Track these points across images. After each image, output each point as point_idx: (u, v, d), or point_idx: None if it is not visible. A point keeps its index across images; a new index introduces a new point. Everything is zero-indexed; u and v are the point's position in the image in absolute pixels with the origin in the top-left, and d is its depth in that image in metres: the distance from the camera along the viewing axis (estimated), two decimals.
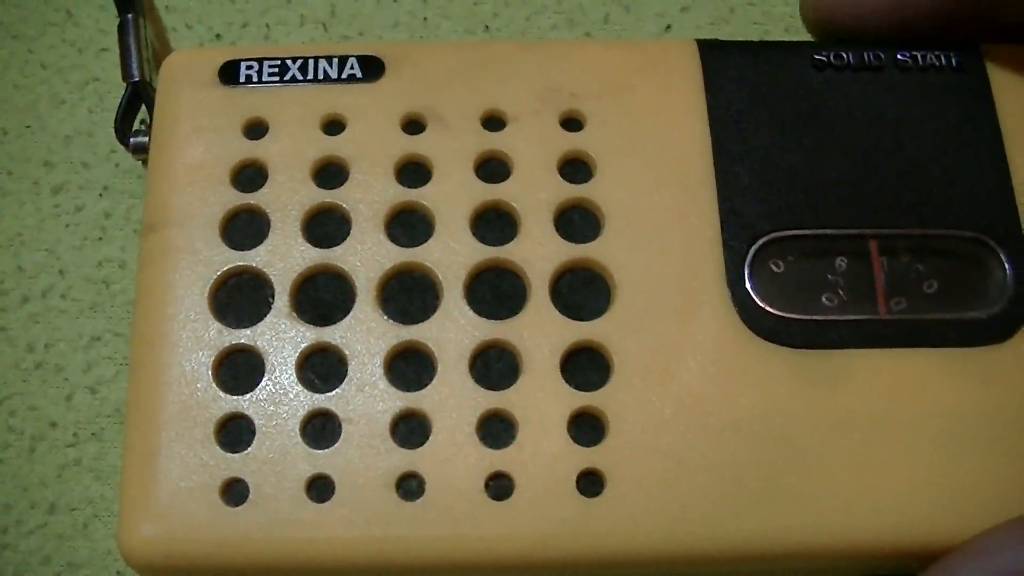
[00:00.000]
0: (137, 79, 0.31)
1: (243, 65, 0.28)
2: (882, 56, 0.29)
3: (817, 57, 0.28)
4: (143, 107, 0.32)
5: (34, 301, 0.33)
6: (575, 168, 0.28)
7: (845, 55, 0.29)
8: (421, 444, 0.26)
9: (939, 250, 0.27)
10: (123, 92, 0.32)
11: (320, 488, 0.25)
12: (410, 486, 0.25)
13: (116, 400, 0.32)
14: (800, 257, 0.27)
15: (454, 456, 0.26)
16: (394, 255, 0.27)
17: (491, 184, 0.27)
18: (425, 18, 0.35)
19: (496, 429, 0.26)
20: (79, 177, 0.34)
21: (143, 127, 0.31)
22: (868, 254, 0.27)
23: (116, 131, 0.31)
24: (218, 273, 0.27)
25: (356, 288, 0.26)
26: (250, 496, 0.25)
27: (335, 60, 0.28)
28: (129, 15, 0.32)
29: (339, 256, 0.27)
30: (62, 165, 0.34)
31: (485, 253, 0.27)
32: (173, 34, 0.35)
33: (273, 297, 0.26)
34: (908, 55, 0.29)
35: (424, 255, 0.27)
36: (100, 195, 0.34)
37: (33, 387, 0.32)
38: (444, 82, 0.28)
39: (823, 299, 0.27)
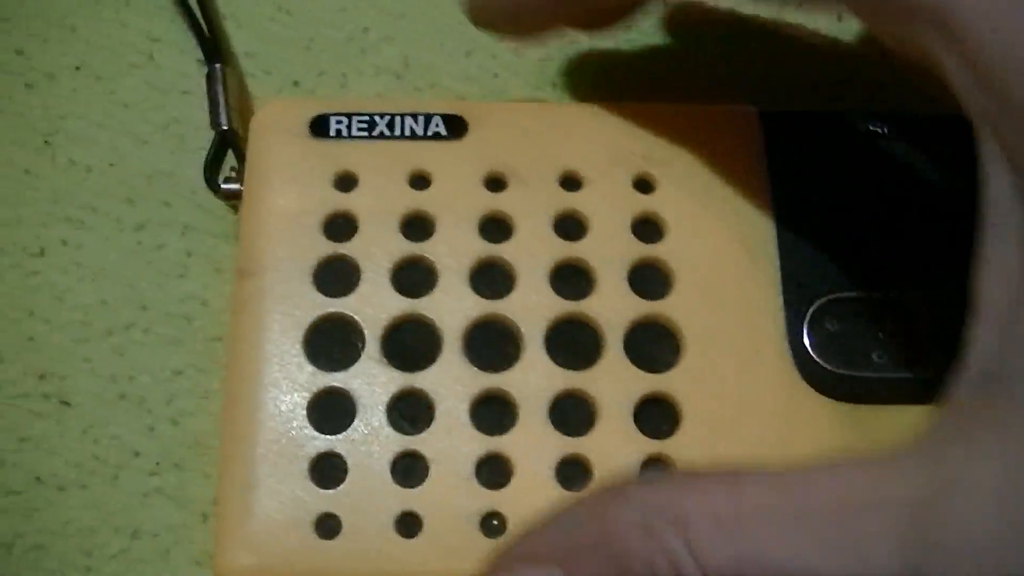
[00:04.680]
0: (226, 127, 0.34)
1: (333, 119, 0.31)
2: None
3: (872, 126, 0.31)
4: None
5: (117, 334, 0.35)
6: (647, 228, 0.30)
7: (898, 123, 0.31)
8: (503, 485, 0.28)
9: None
10: (212, 139, 0.34)
11: (408, 524, 0.28)
12: (493, 524, 0.28)
13: (196, 431, 0.34)
14: (854, 317, 0.29)
15: (533, 497, 0.27)
16: (478, 306, 0.29)
17: (568, 241, 0.29)
18: (496, 73, 0.37)
19: (573, 472, 0.28)
20: (161, 215, 0.36)
21: (232, 173, 0.33)
22: (917, 316, 0.29)
23: (206, 176, 0.33)
24: (312, 318, 0.29)
25: (442, 336, 0.29)
26: (342, 530, 0.27)
27: (420, 118, 0.31)
28: (217, 64, 0.35)
29: (426, 306, 0.29)
30: (143, 203, 0.36)
31: (563, 307, 0.29)
32: (251, 80, 0.37)
33: (363, 343, 0.29)
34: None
35: (506, 307, 0.29)
36: (182, 233, 0.36)
37: (117, 417, 0.34)
38: (523, 142, 0.31)
39: (874, 356, 0.29)
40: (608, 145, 0.31)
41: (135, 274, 0.35)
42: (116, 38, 0.38)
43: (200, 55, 0.36)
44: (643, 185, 0.30)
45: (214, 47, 0.35)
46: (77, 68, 0.37)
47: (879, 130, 0.30)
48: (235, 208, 0.33)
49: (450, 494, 0.28)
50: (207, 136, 0.35)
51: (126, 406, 0.34)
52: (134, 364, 0.34)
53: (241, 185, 0.31)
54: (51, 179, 0.36)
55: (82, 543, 0.33)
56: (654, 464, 0.28)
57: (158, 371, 0.34)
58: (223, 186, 0.33)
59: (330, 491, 0.28)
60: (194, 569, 0.33)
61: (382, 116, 0.31)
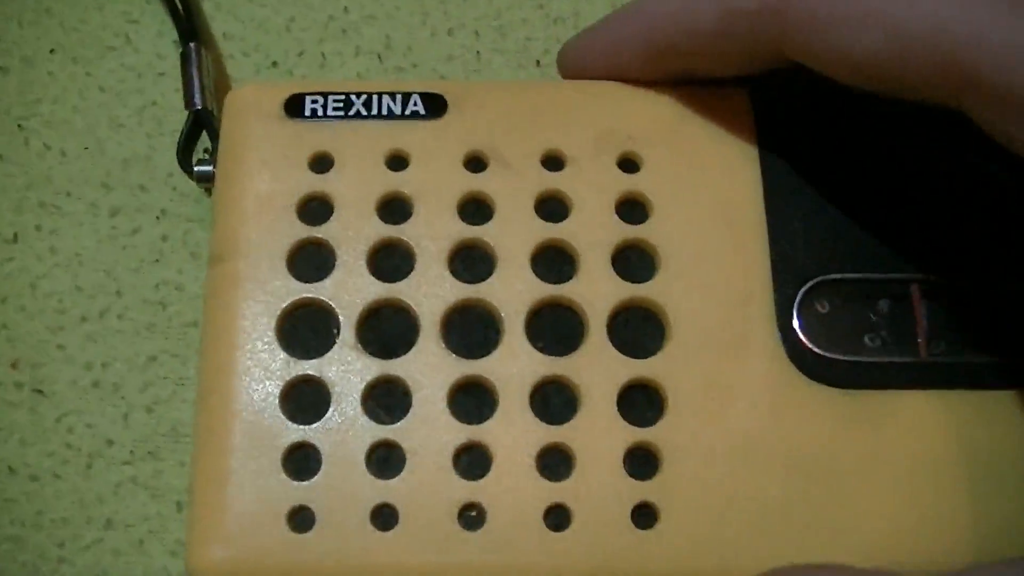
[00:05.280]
0: (200, 107, 0.33)
1: (308, 99, 0.30)
2: None
3: (867, 103, 0.30)
4: (204, 134, 0.33)
5: (92, 321, 0.34)
6: (632, 209, 0.29)
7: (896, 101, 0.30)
8: (483, 475, 0.27)
9: (980, 295, 0.29)
10: (185, 119, 0.33)
11: (385, 517, 0.27)
12: (471, 516, 0.27)
13: (172, 419, 0.33)
14: (845, 299, 0.28)
15: (514, 488, 0.27)
16: (457, 291, 0.28)
17: (551, 223, 0.28)
18: (478, 52, 0.36)
19: (555, 462, 0.27)
20: (136, 200, 0.35)
21: (206, 155, 0.32)
22: (910, 298, 0.28)
23: (179, 158, 0.33)
24: (285, 304, 0.28)
25: (420, 322, 0.28)
26: (316, 523, 0.27)
27: (399, 97, 0.30)
28: (192, 44, 0.34)
29: (404, 291, 0.28)
30: (120, 188, 0.35)
31: (545, 291, 0.28)
32: (230, 61, 0.36)
33: (339, 329, 0.28)
34: None
35: (486, 292, 0.28)
36: (157, 218, 0.35)
37: (91, 405, 0.34)
38: (504, 121, 0.29)
39: (866, 339, 0.28)
40: (592, 124, 0.30)
41: (110, 260, 0.34)
42: (92, 20, 0.37)
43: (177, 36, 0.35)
44: (628, 165, 0.29)
45: (189, 26, 0.34)
46: (52, 51, 0.36)
47: (875, 105, 0.29)
48: (209, 191, 0.32)
49: (427, 485, 0.27)
50: (185, 119, 0.34)
51: (100, 394, 0.33)
52: (108, 351, 0.34)
53: (214, 168, 0.30)
54: (25, 164, 0.35)
55: (55, 534, 0.33)
56: (638, 452, 0.27)
57: (133, 358, 0.34)
58: (196, 168, 0.32)
59: (304, 483, 0.27)
60: (169, 560, 0.32)
61: (358, 95, 0.30)
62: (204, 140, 0.33)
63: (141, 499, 0.33)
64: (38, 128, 0.36)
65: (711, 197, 0.29)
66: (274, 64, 0.36)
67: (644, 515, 0.27)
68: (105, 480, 0.33)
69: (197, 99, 0.33)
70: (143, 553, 0.33)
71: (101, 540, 0.33)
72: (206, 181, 0.31)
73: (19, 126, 0.36)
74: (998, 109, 0.24)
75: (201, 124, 0.33)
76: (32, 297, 0.34)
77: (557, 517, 0.27)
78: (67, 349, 0.34)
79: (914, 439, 0.27)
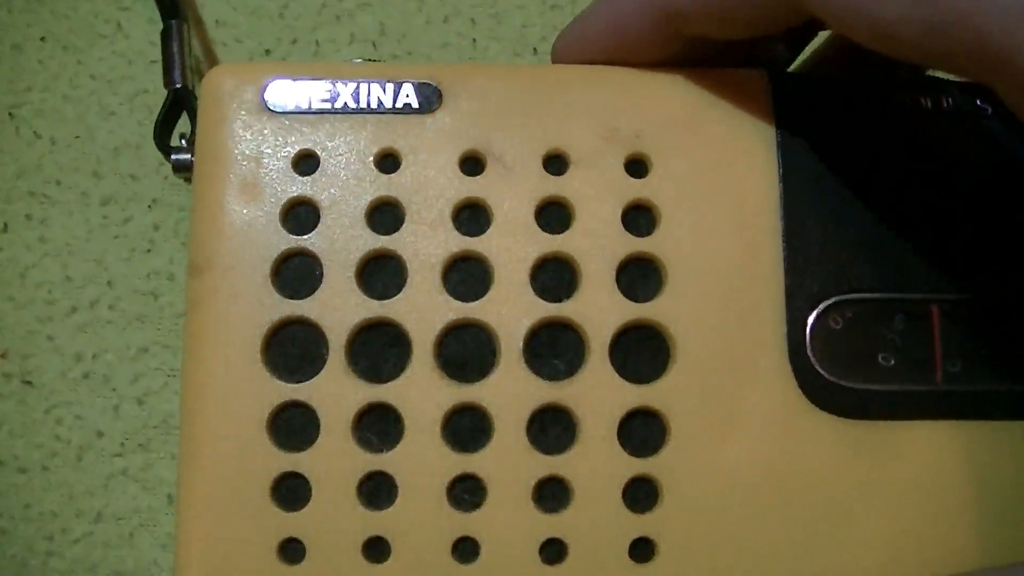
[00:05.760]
0: (179, 86, 0.27)
1: (292, 88, 0.23)
2: (976, 103, 0.23)
3: (898, 95, 0.23)
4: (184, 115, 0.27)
5: (82, 311, 0.28)
6: (639, 217, 0.23)
7: (936, 97, 0.23)
8: (477, 507, 0.21)
9: (1001, 319, 0.23)
10: (164, 99, 0.27)
11: (376, 549, 0.21)
12: (466, 549, 0.21)
13: (163, 411, 0.28)
14: (861, 319, 0.22)
15: (509, 520, 0.21)
16: (452, 309, 0.22)
17: (552, 235, 0.22)
18: (474, 40, 0.30)
19: (551, 493, 0.22)
20: (128, 189, 0.29)
21: (183, 142, 0.26)
22: (929, 318, 0.22)
23: (156, 138, 0.26)
24: (270, 323, 0.22)
25: (412, 343, 0.22)
26: (307, 556, 0.21)
27: (390, 87, 0.23)
28: (173, 21, 0.27)
29: (395, 309, 0.22)
30: (111, 176, 0.29)
31: (545, 310, 0.22)
32: (223, 48, 0.30)
33: (327, 349, 0.22)
34: (986, 103, 0.23)
35: (483, 311, 0.22)
36: (149, 207, 0.29)
37: (81, 397, 0.28)
38: (504, 114, 0.23)
39: (880, 360, 0.22)
40: (598, 116, 0.23)
41: (101, 249, 0.28)
42: (83, 8, 0.30)
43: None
44: (636, 167, 0.23)
45: (170, 4, 0.28)
46: (43, 39, 0.30)
47: (913, 102, 0.23)
48: (188, 180, 0.26)
49: (420, 517, 0.21)
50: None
51: (90, 385, 0.28)
52: (99, 342, 0.28)
53: (192, 156, 0.24)
54: (15, 153, 0.29)
55: (44, 527, 0.27)
56: (638, 484, 0.21)
57: (123, 349, 0.28)
58: (174, 157, 0.25)
59: (293, 514, 0.21)
60: (159, 553, 0.27)
61: (346, 83, 0.23)
62: (184, 124, 0.27)
63: (132, 492, 0.27)
64: (28, 116, 0.29)
65: (724, 203, 0.22)
66: (267, 52, 0.30)
67: (642, 549, 0.21)
68: (95, 473, 0.28)
69: (176, 76, 0.27)
70: (133, 546, 0.27)
71: (91, 533, 0.27)
72: (184, 171, 0.25)
73: (9, 115, 0.29)
74: None
75: (181, 104, 0.27)
76: (21, 287, 0.28)
77: (553, 551, 0.21)
78: (57, 340, 0.28)
79: (925, 473, 0.22)
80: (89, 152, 0.29)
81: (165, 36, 0.27)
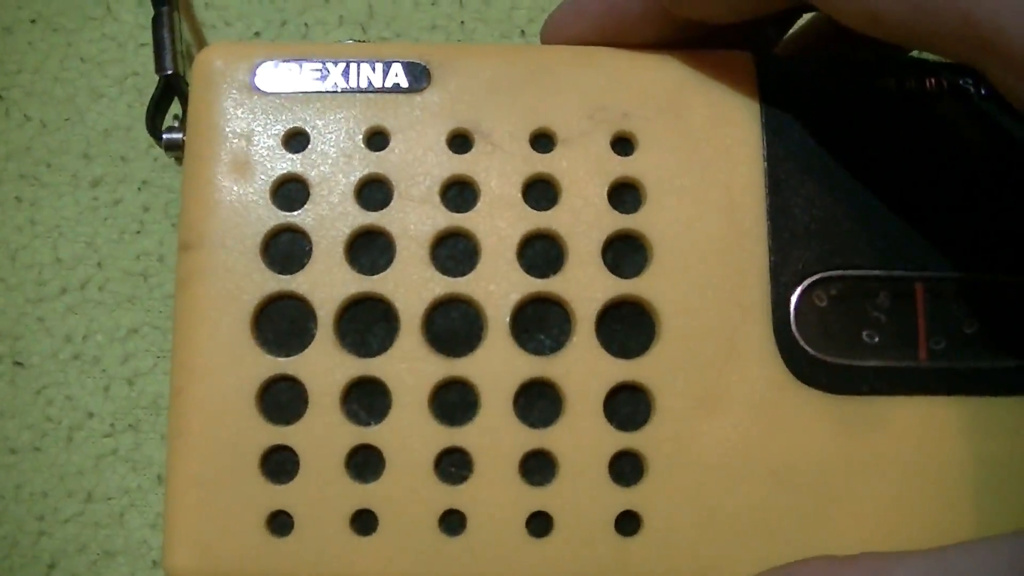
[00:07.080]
0: (170, 72, 0.27)
1: (282, 68, 0.23)
2: (964, 82, 0.24)
3: (883, 78, 0.24)
4: (176, 101, 0.27)
5: (72, 292, 0.28)
6: (625, 194, 0.23)
7: (919, 77, 0.24)
8: (465, 480, 0.22)
9: (986, 296, 0.23)
10: (156, 85, 0.27)
11: (364, 522, 0.21)
12: (452, 522, 0.22)
13: (153, 392, 0.28)
14: (846, 296, 0.23)
15: (496, 493, 0.22)
16: (440, 285, 0.22)
17: (539, 211, 0.23)
18: (462, 22, 0.30)
19: (538, 467, 0.22)
20: (118, 170, 0.29)
21: (176, 123, 0.26)
22: (913, 296, 0.23)
23: (148, 124, 0.27)
24: (260, 297, 0.22)
25: (400, 318, 0.22)
26: (294, 528, 0.21)
27: (379, 66, 0.23)
28: (164, 8, 0.27)
29: (384, 284, 0.22)
30: (101, 158, 0.29)
31: (532, 286, 0.22)
32: (212, 31, 0.30)
33: (316, 323, 0.22)
34: (970, 82, 0.24)
35: (471, 286, 0.22)
36: (139, 189, 0.29)
37: (71, 377, 0.28)
38: (492, 93, 0.23)
39: (864, 337, 0.23)
40: (586, 95, 0.23)
41: (91, 231, 0.29)
42: None
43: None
44: (622, 144, 0.23)
45: None
46: (33, 21, 0.30)
47: (898, 82, 0.23)
48: (179, 159, 0.26)
49: (408, 490, 0.22)
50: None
51: (80, 366, 0.28)
52: (89, 323, 0.28)
53: (183, 136, 0.24)
54: (5, 135, 0.29)
55: (35, 507, 0.27)
56: (623, 458, 0.22)
57: (113, 330, 0.28)
58: (165, 136, 0.25)
59: (282, 486, 0.21)
60: (149, 532, 0.27)
61: (336, 63, 0.23)
62: (175, 107, 0.28)
63: (121, 472, 0.28)
64: (18, 99, 0.30)
65: (709, 181, 0.23)
66: (256, 34, 0.30)
67: (628, 522, 0.22)
68: (85, 453, 0.28)
69: (168, 63, 0.27)
70: (123, 526, 0.27)
71: (81, 513, 0.27)
72: (176, 150, 0.25)
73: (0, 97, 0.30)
74: (1018, 74, 0.18)
75: (172, 90, 0.27)
76: (12, 269, 0.28)
77: (539, 524, 0.22)
78: (47, 321, 0.28)
79: (908, 448, 0.22)
80: (79, 134, 0.29)
81: (156, 23, 0.28)
